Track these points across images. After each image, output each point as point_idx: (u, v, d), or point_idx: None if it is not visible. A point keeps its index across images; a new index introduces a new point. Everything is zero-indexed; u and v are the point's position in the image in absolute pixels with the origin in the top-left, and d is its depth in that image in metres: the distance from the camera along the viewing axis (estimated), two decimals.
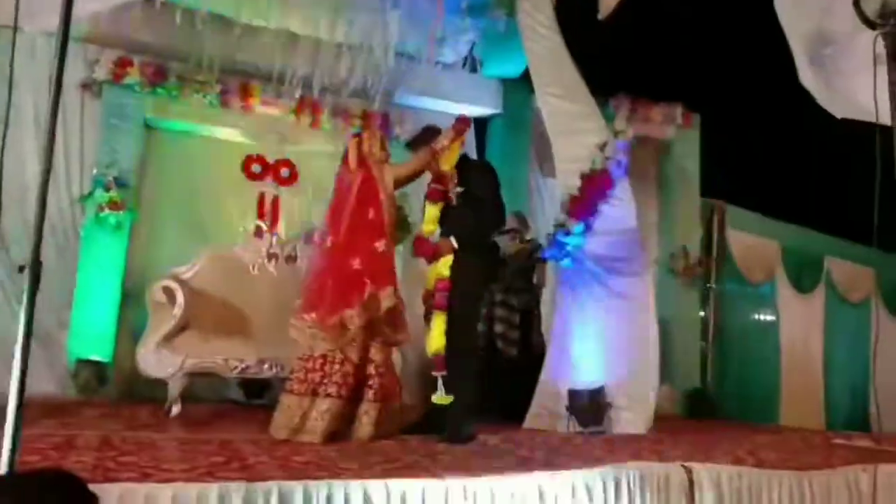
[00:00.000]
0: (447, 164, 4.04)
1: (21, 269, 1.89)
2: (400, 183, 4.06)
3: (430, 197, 4.09)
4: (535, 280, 5.72)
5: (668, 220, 7.67)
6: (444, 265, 3.96)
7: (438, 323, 3.92)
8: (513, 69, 7.12)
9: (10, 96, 1.93)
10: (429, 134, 4.24)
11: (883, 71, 2.54)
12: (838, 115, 3.33)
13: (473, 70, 7.25)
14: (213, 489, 2.13)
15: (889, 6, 2.44)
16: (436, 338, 3.92)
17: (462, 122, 4.17)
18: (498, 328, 5.46)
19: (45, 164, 1.88)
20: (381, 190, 3.85)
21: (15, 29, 1.90)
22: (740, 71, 9.58)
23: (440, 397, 3.91)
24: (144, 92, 5.86)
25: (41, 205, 1.90)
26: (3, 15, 2.29)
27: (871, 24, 2.55)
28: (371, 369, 3.73)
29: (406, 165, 4.19)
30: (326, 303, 3.64)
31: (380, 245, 3.70)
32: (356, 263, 3.65)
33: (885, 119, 2.52)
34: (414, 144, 4.39)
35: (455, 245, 3.96)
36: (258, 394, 5.55)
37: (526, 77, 6.03)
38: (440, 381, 3.91)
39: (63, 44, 1.86)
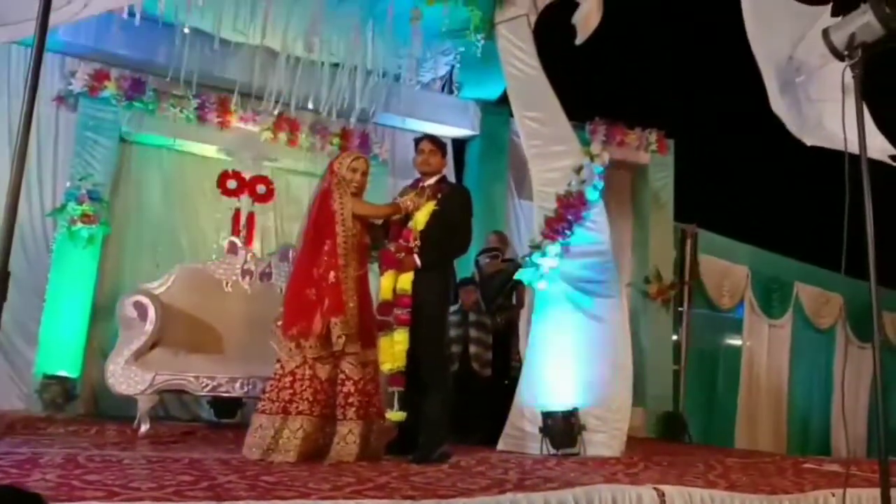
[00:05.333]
0: (419, 223, 3.98)
1: None
2: (357, 219, 3.90)
3: (385, 262, 4.02)
4: (514, 300, 5.73)
5: (643, 244, 7.76)
6: (406, 280, 3.94)
7: (401, 339, 3.88)
8: (490, 92, 7.20)
9: None
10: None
11: (851, 100, 2.61)
12: (808, 143, 3.40)
13: (451, 92, 7.32)
14: None
15: (856, 39, 2.52)
16: (398, 354, 3.87)
17: (435, 186, 4.13)
18: (472, 349, 5.46)
19: (16, 175, 1.86)
20: (339, 221, 3.77)
21: None
22: (714, 99, 9.77)
23: (395, 413, 3.88)
24: (121, 105, 5.82)
25: (10, 215, 1.87)
26: None
27: (839, 56, 2.63)
28: (349, 387, 3.66)
29: (370, 207, 4.06)
30: (287, 320, 3.69)
31: (331, 276, 3.67)
32: (311, 293, 3.66)
33: (853, 148, 2.58)
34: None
35: (418, 263, 3.95)
36: (229, 412, 5.48)
37: (504, 100, 6.09)
38: (396, 397, 3.87)
39: (38, 56, 1.84)
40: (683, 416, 7.51)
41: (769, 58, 3.30)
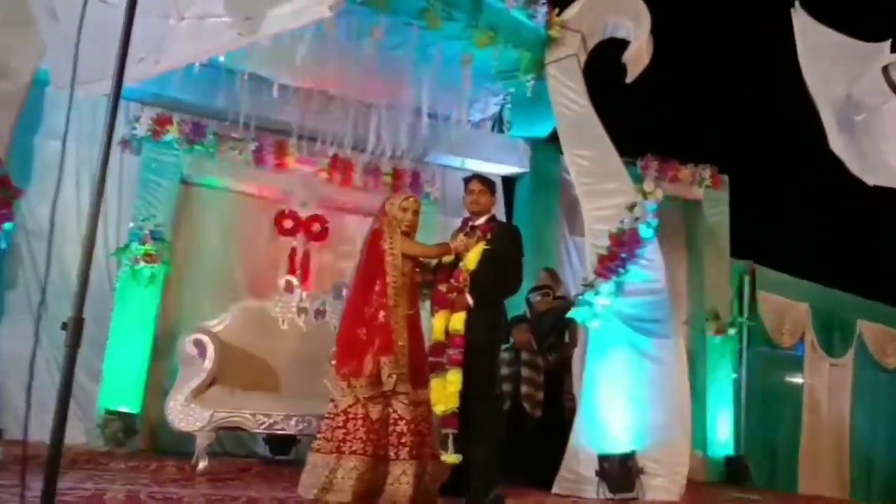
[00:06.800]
0: (470, 263, 3.98)
1: (64, 325, 1.95)
2: (408, 258, 3.91)
3: (438, 302, 4.05)
4: (567, 339, 5.65)
5: (699, 282, 7.59)
6: (459, 320, 3.92)
7: (454, 379, 3.85)
8: (541, 130, 7.23)
9: (62, 157, 2.01)
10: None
11: None
12: (870, 183, 3.31)
13: (501, 131, 7.38)
14: None
15: None
16: (451, 395, 3.83)
17: (485, 225, 4.15)
18: (524, 389, 5.40)
19: (91, 226, 1.95)
20: (389, 261, 3.78)
21: (71, 95, 1.99)
22: (769, 133, 9.62)
23: (450, 456, 3.82)
24: (182, 149, 6.02)
25: (86, 264, 1.96)
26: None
27: None
28: (402, 427, 3.63)
29: (420, 247, 4.04)
30: (339, 359, 3.72)
31: (381, 316, 3.69)
32: (362, 333, 3.69)
33: None
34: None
35: (471, 303, 3.94)
36: (284, 450, 5.53)
37: (554, 137, 6.12)
38: (451, 439, 3.82)
39: (113, 112, 1.95)
40: (745, 459, 7.25)
41: (826, 97, 3.25)
